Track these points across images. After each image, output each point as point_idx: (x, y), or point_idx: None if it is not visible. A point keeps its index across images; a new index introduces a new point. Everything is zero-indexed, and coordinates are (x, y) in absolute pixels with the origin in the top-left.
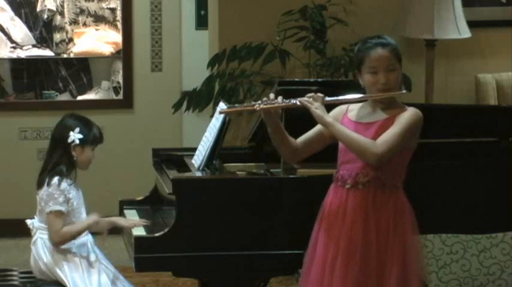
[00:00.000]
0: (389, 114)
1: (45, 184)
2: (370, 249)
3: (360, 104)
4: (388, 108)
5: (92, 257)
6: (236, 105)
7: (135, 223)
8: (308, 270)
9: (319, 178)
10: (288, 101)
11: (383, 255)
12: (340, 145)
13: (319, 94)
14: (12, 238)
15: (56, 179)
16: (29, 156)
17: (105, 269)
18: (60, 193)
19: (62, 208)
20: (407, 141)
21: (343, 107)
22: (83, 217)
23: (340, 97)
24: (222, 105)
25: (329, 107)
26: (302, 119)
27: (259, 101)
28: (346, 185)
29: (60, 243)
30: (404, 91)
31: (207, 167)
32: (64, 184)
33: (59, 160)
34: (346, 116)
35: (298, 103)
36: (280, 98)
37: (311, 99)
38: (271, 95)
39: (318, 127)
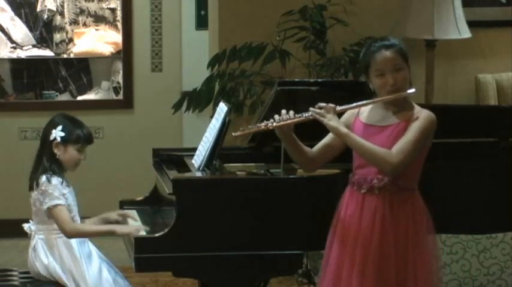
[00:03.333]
0: (402, 118)
1: (36, 184)
2: (388, 253)
3: (371, 107)
4: (400, 109)
5: (93, 254)
6: (250, 126)
7: (131, 231)
8: (324, 273)
9: (319, 178)
10: (300, 115)
11: (402, 259)
12: None
13: (331, 105)
14: (12, 238)
15: (44, 177)
16: (29, 156)
17: (106, 266)
18: (54, 188)
19: (60, 201)
20: (422, 147)
21: (355, 110)
22: (75, 217)
23: (351, 105)
24: (222, 106)
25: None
26: (313, 124)
27: (272, 120)
28: (362, 189)
29: (72, 234)
30: (413, 90)
31: (207, 167)
32: (55, 180)
33: (44, 159)
34: (357, 118)
35: (310, 116)
36: (291, 113)
37: (323, 110)
38: (283, 111)
39: (331, 135)
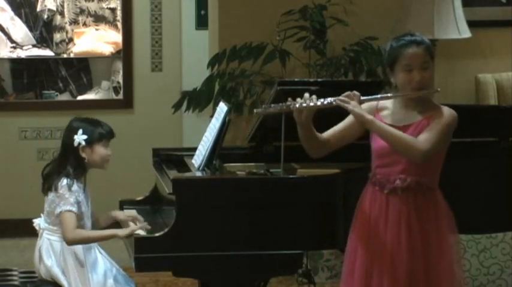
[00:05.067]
0: (424, 116)
1: (54, 187)
2: (416, 253)
3: (392, 106)
4: (422, 108)
5: (99, 261)
6: (272, 105)
7: (133, 230)
8: (347, 277)
9: (319, 178)
10: (323, 100)
11: (430, 257)
12: (375, 147)
13: (355, 92)
14: (12, 238)
15: (64, 181)
16: (29, 156)
17: (115, 274)
18: (71, 194)
19: (73, 208)
20: (446, 139)
21: (373, 104)
22: (86, 225)
23: (375, 96)
24: (222, 106)
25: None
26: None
27: (295, 102)
28: (385, 190)
29: (73, 242)
30: (438, 89)
31: (207, 167)
32: (75, 187)
33: (68, 165)
34: (377, 115)
35: (334, 103)
36: (314, 98)
37: (347, 98)
38: (306, 95)
39: (349, 121)
